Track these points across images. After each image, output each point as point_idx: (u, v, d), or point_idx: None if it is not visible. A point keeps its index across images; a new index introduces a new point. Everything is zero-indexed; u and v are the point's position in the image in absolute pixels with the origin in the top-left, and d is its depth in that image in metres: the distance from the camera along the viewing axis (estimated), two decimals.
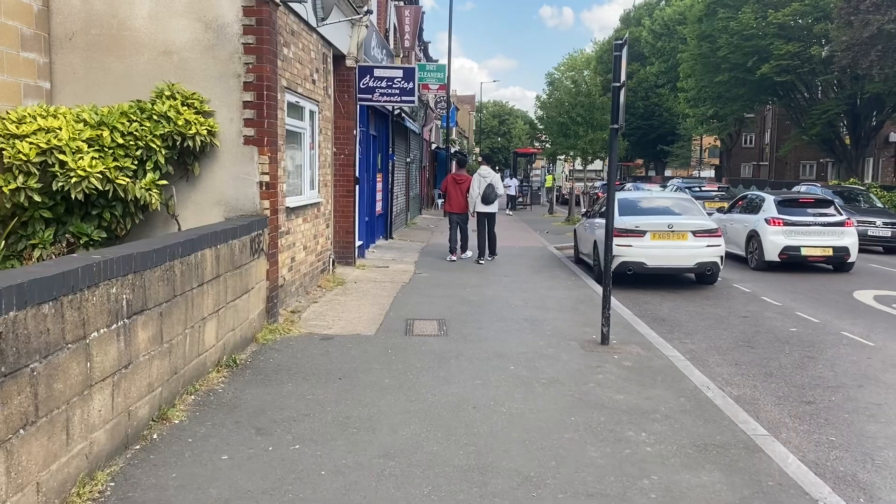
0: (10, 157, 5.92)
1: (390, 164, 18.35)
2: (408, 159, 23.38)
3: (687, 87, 43.90)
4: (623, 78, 7.16)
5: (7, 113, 6.25)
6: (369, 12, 10.93)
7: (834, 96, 34.30)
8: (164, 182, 6.69)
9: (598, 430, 4.95)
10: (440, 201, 29.20)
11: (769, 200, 14.80)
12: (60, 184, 5.96)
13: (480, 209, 13.89)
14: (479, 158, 37.67)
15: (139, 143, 6.52)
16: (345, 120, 11.56)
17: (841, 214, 14.29)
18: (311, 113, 9.64)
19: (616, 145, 7.46)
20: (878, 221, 18.03)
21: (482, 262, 13.86)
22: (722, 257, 11.73)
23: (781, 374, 6.98)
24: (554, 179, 38.64)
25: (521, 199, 35.86)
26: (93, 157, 6.10)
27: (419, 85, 21.02)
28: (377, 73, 12.44)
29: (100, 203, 6.36)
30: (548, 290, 10.69)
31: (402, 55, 22.97)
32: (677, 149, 61.28)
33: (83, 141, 6.17)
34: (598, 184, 38.36)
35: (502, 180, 16.21)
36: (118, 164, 6.30)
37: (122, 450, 4.17)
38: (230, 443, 4.50)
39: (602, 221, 11.20)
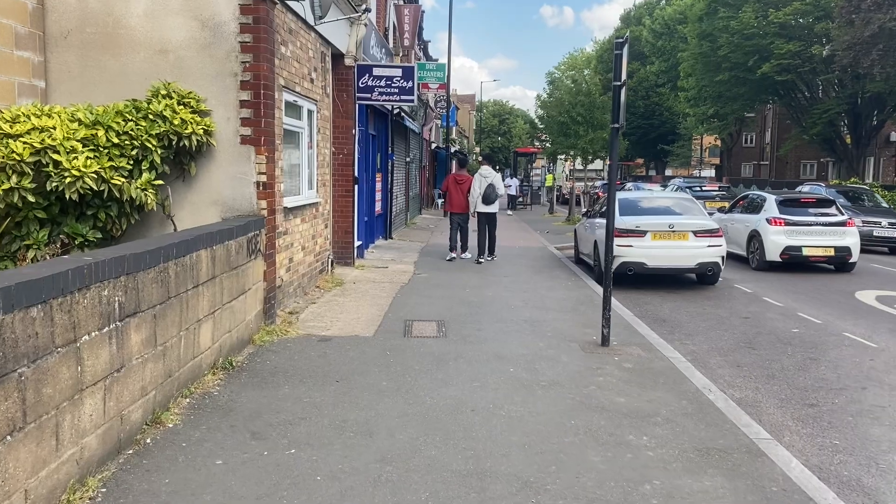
0: (3, 157, 5.84)
1: (390, 163, 18.28)
2: (407, 159, 23.30)
3: (687, 87, 43.82)
4: (624, 77, 7.08)
5: (1, 112, 6.17)
6: (368, 10, 10.86)
7: (835, 95, 34.20)
8: (160, 182, 6.62)
9: (598, 433, 4.88)
10: (440, 201, 29.14)
11: (770, 200, 14.73)
12: (55, 184, 5.88)
13: (481, 209, 13.84)
14: (480, 158, 37.60)
15: (135, 142, 6.44)
16: (343, 119, 11.48)
17: (842, 214, 14.22)
18: (310, 112, 9.57)
19: (617, 145, 7.39)
20: (884, 222, 17.87)
21: (482, 260, 13.84)
22: (723, 257, 11.66)
23: (784, 375, 6.91)
24: (554, 179, 38.52)
25: (521, 199, 35.79)
26: (87, 157, 6.02)
27: (419, 84, 20.96)
28: (376, 72, 12.37)
29: (95, 203, 6.28)
30: (548, 291, 10.61)
31: (401, 54, 22.90)
32: (678, 148, 61.19)
33: (78, 140, 6.09)
34: (598, 183, 38.29)
35: (503, 180, 16.16)
36: (113, 163, 6.22)
37: (114, 455, 4.10)
38: (225, 447, 4.43)
39: (602, 221, 11.14)
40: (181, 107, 6.77)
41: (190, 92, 6.96)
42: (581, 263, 14.13)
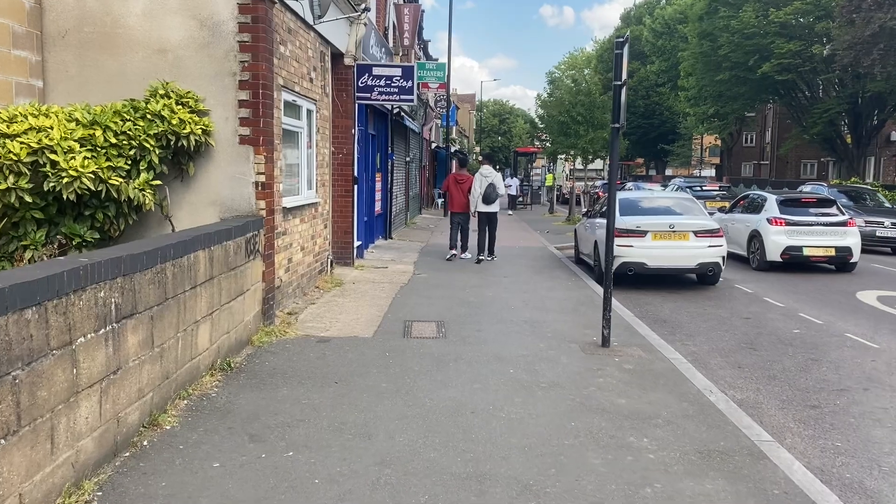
0: (0, 157, 5.81)
1: (389, 163, 18.24)
2: (407, 158, 23.27)
3: (688, 86, 43.80)
4: (624, 76, 7.05)
5: None
6: (367, 10, 10.82)
7: (835, 95, 34.18)
8: (158, 182, 6.58)
9: (599, 435, 4.84)
10: (440, 201, 29.11)
11: (771, 200, 14.69)
12: (52, 184, 5.85)
13: (482, 209, 13.83)
14: (480, 158, 37.54)
15: (133, 142, 6.41)
16: (343, 119, 11.44)
17: (843, 214, 14.18)
18: (309, 112, 9.53)
19: (617, 145, 7.35)
20: (887, 222, 17.73)
21: (482, 256, 13.86)
22: (724, 257, 11.62)
23: (785, 376, 6.87)
24: (554, 179, 38.46)
25: (521, 199, 35.76)
26: (85, 157, 5.99)
27: (419, 84, 20.94)
28: (376, 71, 12.33)
29: (92, 203, 6.25)
30: (548, 291, 10.58)
31: (401, 54, 22.87)
32: (678, 148, 61.16)
33: (75, 140, 6.06)
34: (598, 183, 38.24)
35: (503, 180, 16.15)
36: (111, 163, 6.19)
37: (110, 458, 4.07)
38: (222, 450, 4.39)
39: (603, 221, 11.10)
40: (179, 106, 6.74)
41: (188, 91, 6.92)
42: (581, 263, 14.09)
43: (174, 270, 4.89)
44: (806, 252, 13.55)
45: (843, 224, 13.78)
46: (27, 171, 5.84)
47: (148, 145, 6.45)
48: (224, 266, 5.98)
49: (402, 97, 12.59)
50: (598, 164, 35.44)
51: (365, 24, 11.05)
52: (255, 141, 7.08)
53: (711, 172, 61.76)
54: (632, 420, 5.17)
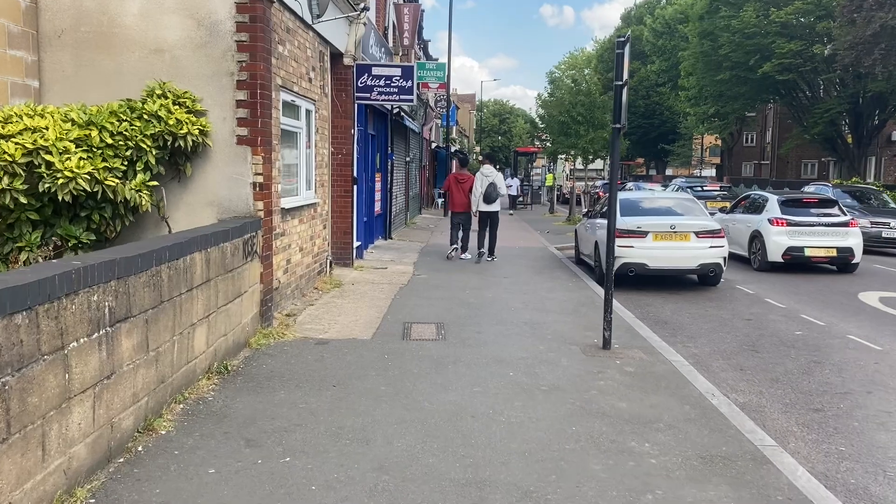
0: None
1: (389, 163, 18.18)
2: (407, 158, 23.20)
3: (688, 86, 43.73)
4: (625, 76, 6.98)
5: None
6: (366, 9, 10.76)
7: (836, 95, 34.11)
8: (155, 183, 6.52)
9: (599, 440, 4.78)
10: (440, 201, 29.04)
11: (772, 200, 14.62)
12: (47, 185, 5.78)
13: (483, 208, 13.80)
14: (480, 158, 37.47)
15: (129, 143, 6.34)
16: (342, 119, 11.38)
17: (845, 215, 14.11)
18: (308, 112, 9.47)
19: (618, 145, 7.29)
20: (893, 223, 17.58)
21: (482, 251, 13.87)
22: (725, 258, 11.56)
23: (788, 379, 6.81)
24: (554, 178, 38.40)
25: (521, 199, 35.70)
26: (81, 158, 5.92)
27: (419, 83, 20.88)
28: (375, 71, 12.27)
29: (88, 205, 6.19)
30: (548, 292, 10.52)
31: (401, 53, 22.81)
32: (678, 148, 61.07)
33: (71, 141, 5.99)
34: (598, 183, 38.17)
35: (504, 180, 16.13)
36: (107, 164, 6.12)
37: (104, 464, 4.00)
38: (218, 455, 4.33)
39: (603, 222, 11.04)
40: (176, 107, 6.68)
41: (185, 92, 6.86)
42: (581, 264, 14.03)
43: (170, 273, 4.83)
44: (807, 253, 13.48)
45: (845, 224, 13.71)
46: (22, 172, 5.77)
47: (144, 146, 6.39)
48: (221, 268, 5.91)
49: (402, 97, 12.53)
50: (598, 164, 35.36)
51: (364, 24, 10.99)
52: (253, 141, 7.02)
53: (712, 172, 61.69)
54: (633, 424, 5.10)
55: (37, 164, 5.78)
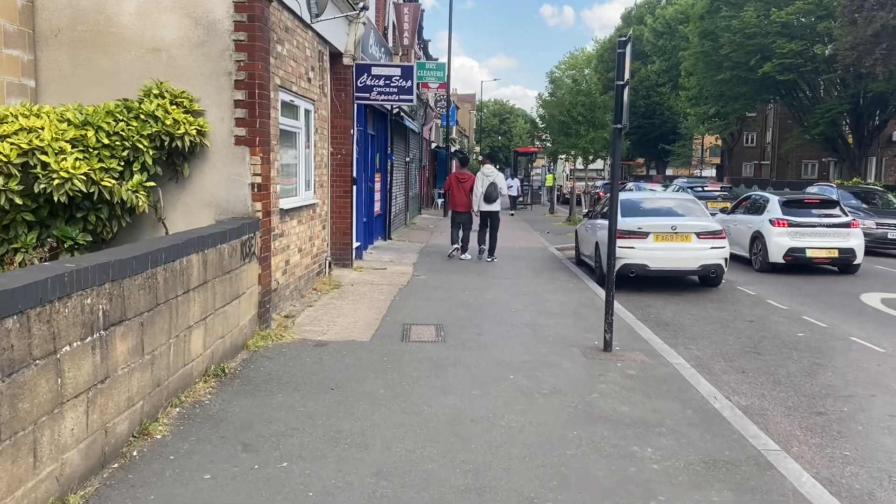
0: None
1: (389, 163, 18.11)
2: (407, 159, 23.14)
3: (688, 86, 43.65)
4: (627, 76, 6.91)
5: None
6: (366, 9, 10.69)
7: (837, 95, 34.04)
8: (152, 184, 6.46)
9: (601, 445, 4.72)
10: (440, 201, 28.97)
11: (774, 201, 14.55)
12: (42, 186, 5.72)
13: (483, 208, 13.79)
14: (480, 158, 37.40)
15: (126, 143, 6.29)
16: (342, 119, 11.31)
17: (846, 215, 14.04)
18: (307, 112, 9.41)
19: (619, 145, 7.23)
20: None
21: (482, 249, 13.89)
22: (726, 259, 11.50)
23: (790, 382, 6.74)
24: (554, 179, 38.35)
25: (521, 199, 35.65)
26: (76, 158, 5.86)
27: (418, 83, 20.81)
28: (375, 71, 12.21)
29: (85, 205, 6.12)
30: (549, 294, 10.45)
31: (401, 53, 22.75)
32: (678, 148, 60.98)
33: (66, 141, 5.94)
34: (599, 183, 38.12)
35: (505, 180, 16.11)
36: (103, 165, 6.07)
37: (98, 469, 3.94)
38: (214, 460, 4.26)
39: (604, 222, 10.98)
40: (174, 107, 6.62)
41: (183, 91, 6.80)
42: (582, 265, 13.97)
43: (166, 275, 4.76)
44: (809, 254, 13.41)
45: (847, 225, 13.63)
46: (17, 173, 5.71)
47: (141, 146, 6.33)
48: (218, 269, 5.85)
49: (402, 97, 12.47)
50: (598, 164, 35.34)
51: (364, 24, 10.93)
52: (252, 142, 6.96)
53: (712, 172, 61.57)
54: (635, 428, 5.04)
55: (32, 164, 5.72)
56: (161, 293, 4.69)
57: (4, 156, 5.63)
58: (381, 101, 12.56)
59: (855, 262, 13.58)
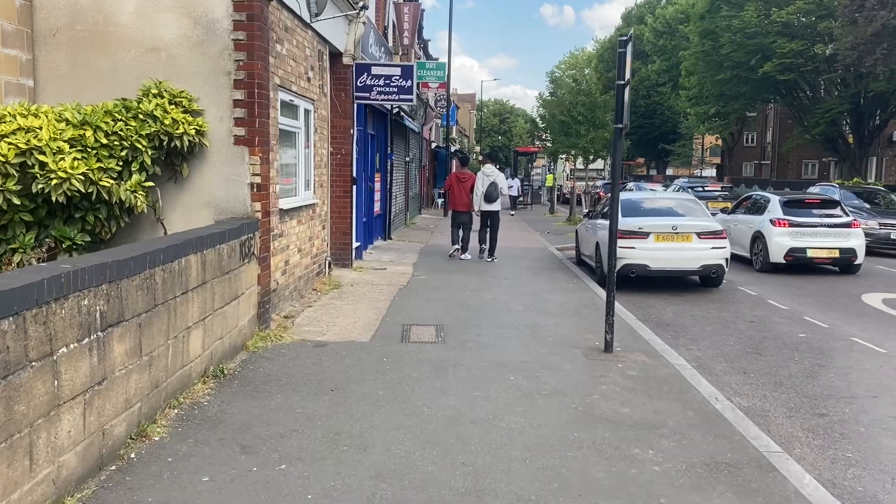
0: None
1: (389, 163, 18.08)
2: (407, 158, 23.11)
3: (689, 85, 43.57)
4: (628, 76, 6.88)
5: None
6: (365, 8, 10.66)
7: (837, 95, 33.98)
8: (151, 184, 6.43)
9: (602, 447, 4.69)
10: (441, 201, 28.93)
11: (774, 201, 14.52)
12: (40, 186, 5.69)
13: (484, 207, 13.78)
14: (480, 158, 37.36)
15: (124, 143, 6.26)
16: (341, 119, 11.28)
17: (847, 215, 14.00)
18: (306, 112, 9.38)
19: (620, 145, 7.20)
20: None
21: (483, 248, 13.93)
22: (727, 259, 11.47)
23: (792, 383, 6.71)
24: (555, 178, 38.30)
25: (521, 199, 35.63)
26: (75, 158, 5.83)
27: (419, 83, 20.78)
28: (375, 70, 12.17)
29: (83, 206, 6.09)
30: (549, 294, 10.42)
31: (401, 53, 22.71)
32: (679, 147, 60.93)
33: (65, 141, 5.91)
34: (599, 183, 38.07)
35: (505, 180, 16.10)
36: (102, 165, 6.04)
37: (95, 472, 3.91)
38: (212, 462, 4.23)
39: (604, 222, 10.95)
40: (173, 106, 6.58)
41: (182, 91, 6.77)
42: (582, 265, 13.94)
43: (164, 276, 4.73)
44: (809, 254, 13.38)
45: (848, 225, 13.60)
46: (15, 173, 5.68)
47: (140, 146, 6.30)
48: (217, 270, 5.82)
49: (402, 97, 12.43)
50: (598, 163, 35.31)
51: (364, 23, 10.90)
52: (251, 141, 6.93)
53: (712, 172, 61.53)
54: (636, 430, 5.01)
55: (30, 164, 5.70)
56: (159, 294, 4.67)
57: (2, 155, 5.59)
58: (381, 100, 12.52)
59: (856, 263, 13.55)
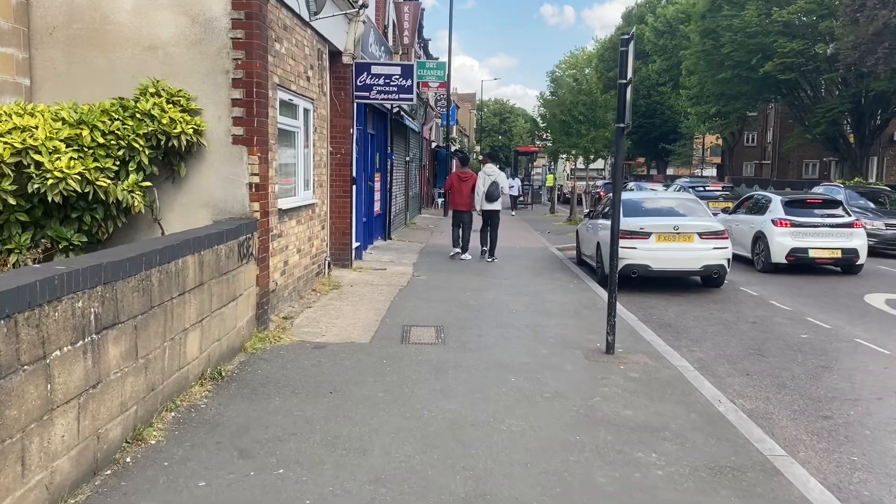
0: None
1: (389, 163, 18.01)
2: (407, 158, 23.04)
3: (689, 85, 43.50)
4: (630, 75, 6.81)
5: None
6: (365, 7, 10.59)
7: (838, 94, 33.91)
8: (148, 184, 6.37)
9: (604, 450, 4.62)
10: (441, 201, 28.87)
11: (776, 201, 14.45)
12: (36, 185, 5.64)
13: (485, 207, 13.75)
14: (480, 157, 37.30)
15: (121, 142, 6.20)
16: (341, 118, 11.22)
17: (849, 215, 13.94)
18: (306, 111, 9.31)
19: (622, 145, 7.14)
20: None
21: (484, 249, 13.91)
22: (729, 259, 11.41)
23: (795, 385, 6.65)
24: (555, 178, 38.24)
25: (522, 199, 35.56)
26: (71, 158, 5.78)
27: (419, 83, 20.71)
28: (375, 70, 12.10)
29: (80, 206, 6.04)
30: (550, 294, 10.36)
31: (401, 52, 22.65)
32: (679, 147, 60.86)
33: (61, 140, 5.85)
34: (599, 183, 38.01)
35: (506, 180, 16.04)
36: (99, 164, 5.98)
37: (89, 477, 3.84)
38: (209, 467, 4.17)
39: (605, 223, 10.90)
40: (170, 105, 6.52)
41: (179, 90, 6.71)
42: (583, 265, 13.87)
43: (161, 277, 4.67)
44: (811, 254, 13.32)
45: (850, 225, 13.53)
46: (10, 173, 5.62)
47: (137, 145, 6.24)
48: (215, 271, 5.76)
49: (402, 96, 12.36)
50: (599, 163, 35.25)
51: (363, 22, 10.83)
52: (249, 141, 6.86)
53: (713, 172, 61.44)
54: (639, 433, 4.95)
55: (26, 164, 5.64)
56: (156, 295, 4.60)
57: None
58: (381, 100, 12.45)
59: (858, 263, 13.49)
